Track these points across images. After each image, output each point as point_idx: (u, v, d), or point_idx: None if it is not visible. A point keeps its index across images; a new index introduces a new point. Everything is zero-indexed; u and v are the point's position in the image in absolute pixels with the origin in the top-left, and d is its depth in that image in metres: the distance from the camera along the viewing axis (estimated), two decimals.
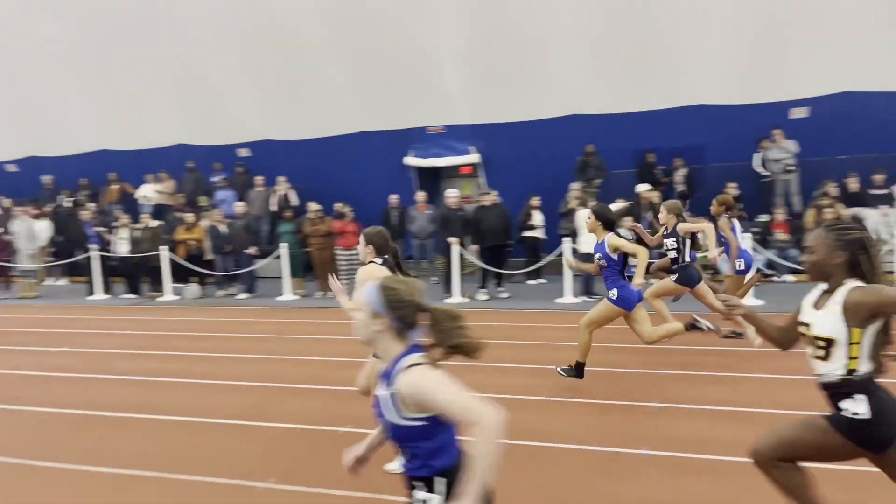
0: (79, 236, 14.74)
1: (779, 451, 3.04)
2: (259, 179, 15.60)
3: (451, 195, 12.65)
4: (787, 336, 3.19)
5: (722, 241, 8.16)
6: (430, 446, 2.15)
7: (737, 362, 7.03)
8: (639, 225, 8.26)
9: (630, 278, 6.06)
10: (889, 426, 2.81)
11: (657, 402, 5.89)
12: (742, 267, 8.18)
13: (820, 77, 12.68)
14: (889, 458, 2.84)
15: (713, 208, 8.30)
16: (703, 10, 12.76)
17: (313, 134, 15.68)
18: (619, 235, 6.37)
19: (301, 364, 7.85)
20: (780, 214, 12.45)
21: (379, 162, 15.25)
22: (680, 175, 13.61)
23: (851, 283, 2.85)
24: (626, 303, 6.12)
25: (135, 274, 13.92)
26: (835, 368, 2.87)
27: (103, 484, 4.69)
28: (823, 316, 2.89)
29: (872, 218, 11.84)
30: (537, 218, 13.38)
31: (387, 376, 2.21)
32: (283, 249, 12.84)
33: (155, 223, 14.06)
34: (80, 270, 14.94)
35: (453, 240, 11.71)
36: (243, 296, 13.21)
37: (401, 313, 2.21)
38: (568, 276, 11.03)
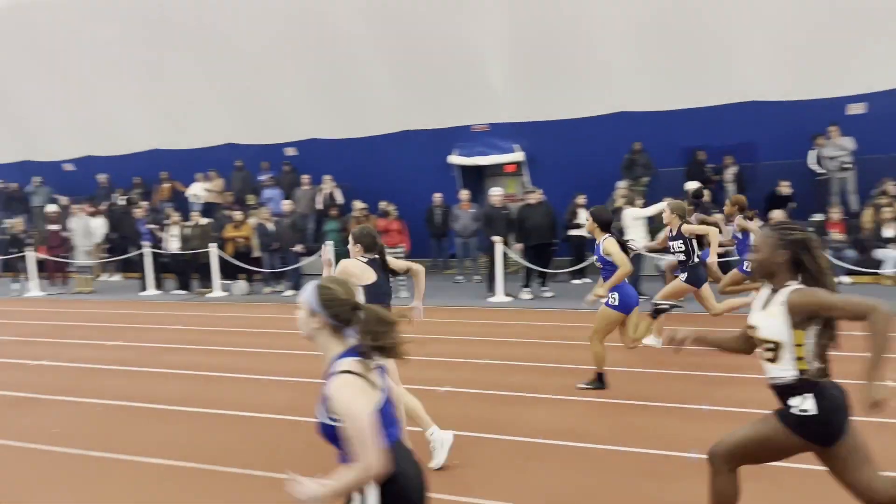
0: (132, 233, 15.13)
1: (733, 451, 3.09)
2: (305, 178, 15.80)
3: (495, 193, 12.60)
4: (748, 342, 3.20)
5: (737, 239, 8.34)
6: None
7: None
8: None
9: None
10: (837, 422, 2.86)
11: (707, 404, 5.78)
12: (749, 269, 8.06)
13: (878, 72, 12.23)
14: (836, 453, 2.88)
15: (726, 208, 8.33)
16: (754, 2, 12.42)
17: (358, 133, 15.78)
18: (620, 237, 6.39)
19: None
20: (836, 214, 12.09)
21: (423, 160, 15.26)
22: (730, 173, 13.30)
23: (793, 285, 2.89)
24: (626, 306, 6.08)
25: (185, 270, 14.24)
26: (785, 370, 2.91)
27: (150, 474, 4.81)
28: (767, 318, 2.94)
29: None
30: (583, 217, 13.23)
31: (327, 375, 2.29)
32: (329, 247, 12.95)
33: (204, 221, 14.32)
34: (133, 267, 15.35)
35: (497, 238, 11.68)
36: (290, 293, 13.37)
37: (335, 311, 2.29)
38: None
